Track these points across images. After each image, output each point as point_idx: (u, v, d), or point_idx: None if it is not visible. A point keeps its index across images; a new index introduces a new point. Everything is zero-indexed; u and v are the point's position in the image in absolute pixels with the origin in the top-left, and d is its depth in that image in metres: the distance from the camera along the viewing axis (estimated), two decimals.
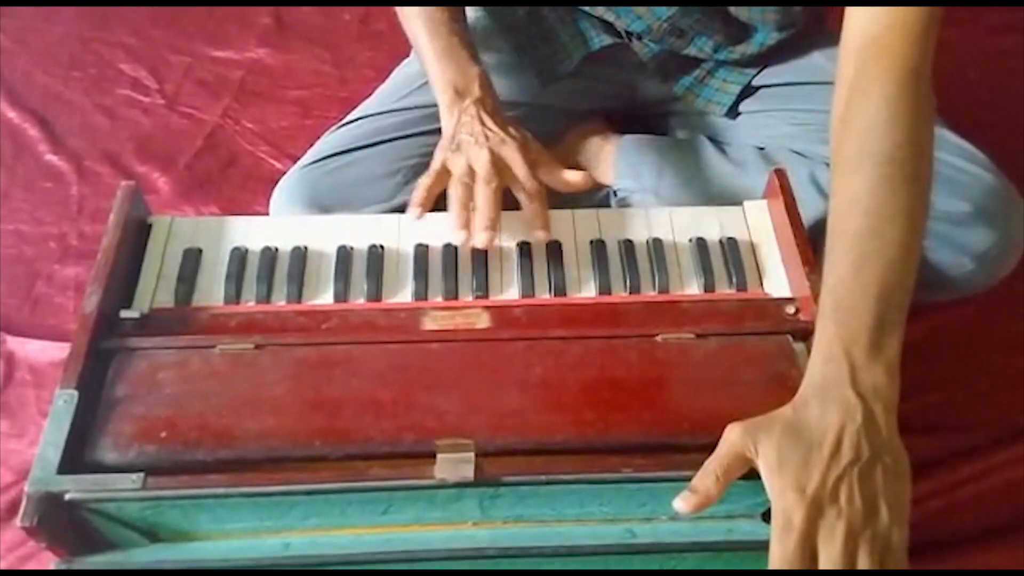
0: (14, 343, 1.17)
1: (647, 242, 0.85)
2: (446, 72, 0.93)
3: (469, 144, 0.86)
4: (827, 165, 0.99)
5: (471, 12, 1.07)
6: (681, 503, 0.63)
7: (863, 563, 0.60)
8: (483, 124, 0.87)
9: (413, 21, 0.96)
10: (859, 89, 0.74)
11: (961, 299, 1.05)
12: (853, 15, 0.77)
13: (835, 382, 0.65)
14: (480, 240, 0.81)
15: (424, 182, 0.86)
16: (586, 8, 1.05)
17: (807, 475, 0.62)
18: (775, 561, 0.61)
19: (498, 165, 0.84)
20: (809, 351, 0.70)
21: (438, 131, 1.04)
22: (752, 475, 0.64)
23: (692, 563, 0.72)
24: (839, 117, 0.76)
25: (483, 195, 0.83)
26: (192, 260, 0.83)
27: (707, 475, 0.63)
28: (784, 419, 0.64)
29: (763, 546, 0.62)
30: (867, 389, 0.64)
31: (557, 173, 0.88)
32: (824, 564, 0.60)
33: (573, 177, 0.88)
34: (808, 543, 0.61)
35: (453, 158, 0.86)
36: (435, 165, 0.87)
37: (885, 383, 0.65)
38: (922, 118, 0.73)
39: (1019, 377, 1.09)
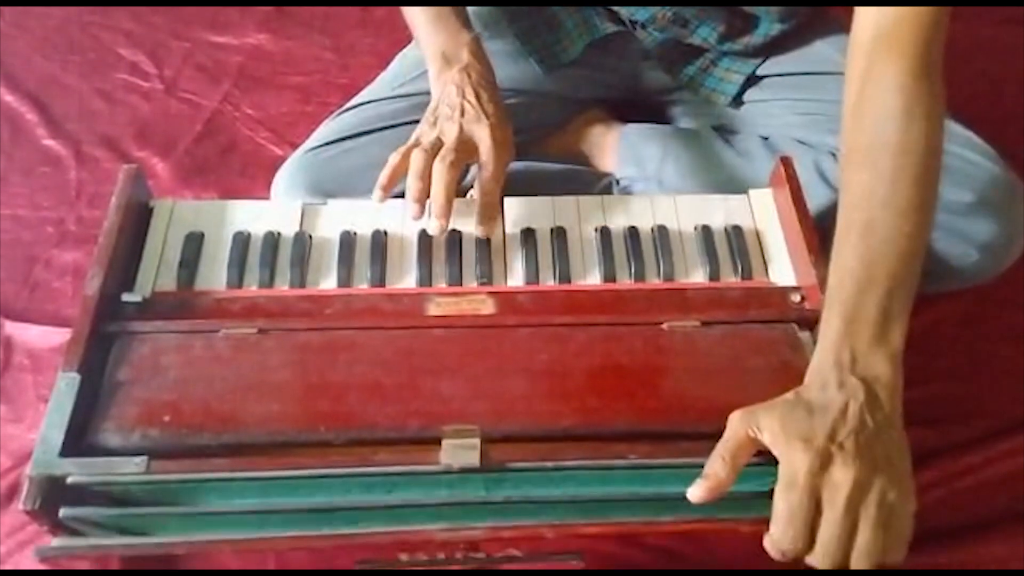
0: (12, 328, 1.16)
1: (652, 230, 0.84)
2: (437, 39, 0.91)
3: (445, 118, 0.84)
4: (832, 155, 1.00)
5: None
6: (694, 491, 0.62)
7: (865, 525, 0.59)
8: (464, 96, 0.85)
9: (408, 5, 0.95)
10: (871, 81, 0.74)
11: (962, 290, 1.05)
12: (863, 8, 0.76)
13: (838, 369, 0.65)
14: (432, 227, 0.79)
15: (392, 159, 0.82)
16: None
17: (812, 432, 0.61)
18: (778, 516, 0.60)
19: (465, 141, 0.82)
20: (815, 340, 0.70)
21: None
22: (763, 462, 0.63)
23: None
24: (851, 108, 0.75)
25: (437, 172, 0.79)
26: (194, 244, 0.82)
27: (715, 460, 0.63)
28: (786, 399, 0.64)
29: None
30: (869, 376, 0.64)
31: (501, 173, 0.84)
32: (826, 523, 0.60)
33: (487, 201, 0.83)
34: (812, 496, 0.60)
35: (428, 132, 0.84)
36: (410, 141, 0.84)
37: (889, 372, 0.65)
38: (934, 111, 0.73)
39: (1019, 369, 1.09)
